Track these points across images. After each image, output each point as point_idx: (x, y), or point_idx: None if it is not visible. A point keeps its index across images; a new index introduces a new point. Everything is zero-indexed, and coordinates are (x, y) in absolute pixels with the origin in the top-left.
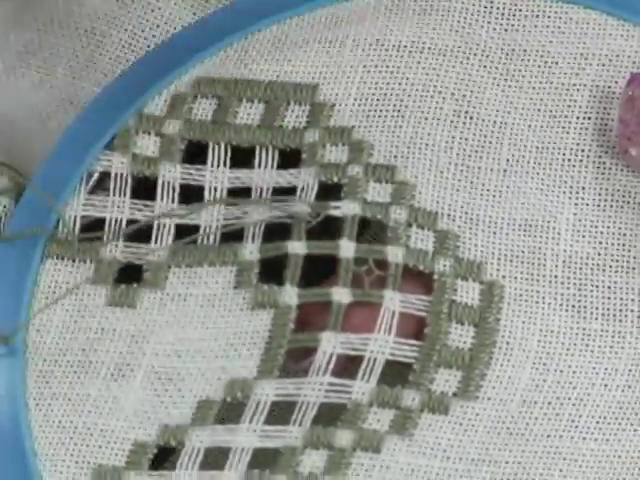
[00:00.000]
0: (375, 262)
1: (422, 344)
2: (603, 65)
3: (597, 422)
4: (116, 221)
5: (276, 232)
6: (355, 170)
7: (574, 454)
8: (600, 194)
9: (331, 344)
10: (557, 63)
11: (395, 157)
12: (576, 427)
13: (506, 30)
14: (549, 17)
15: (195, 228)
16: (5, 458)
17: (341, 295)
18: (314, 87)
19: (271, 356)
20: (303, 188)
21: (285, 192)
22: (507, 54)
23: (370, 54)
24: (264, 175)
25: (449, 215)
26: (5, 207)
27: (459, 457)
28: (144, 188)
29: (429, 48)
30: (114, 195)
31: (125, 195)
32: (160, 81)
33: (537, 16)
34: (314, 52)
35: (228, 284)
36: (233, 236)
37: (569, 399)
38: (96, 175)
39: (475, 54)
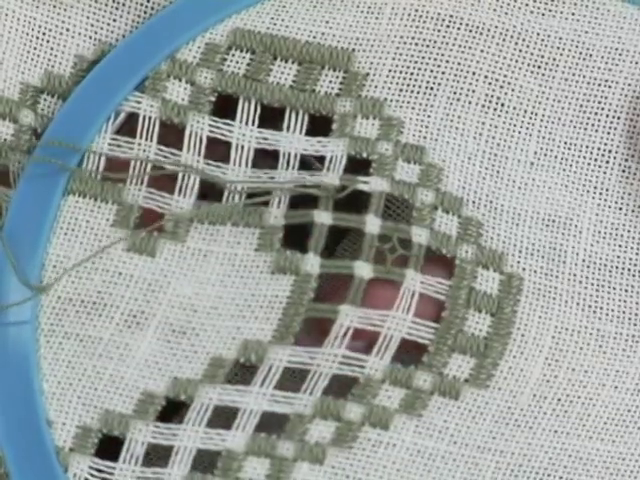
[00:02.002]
0: (399, 241)
1: (438, 327)
2: (636, 63)
3: (605, 423)
4: (141, 164)
5: (302, 202)
6: (384, 147)
7: (580, 452)
8: (623, 197)
9: (349, 318)
10: (591, 56)
11: (424, 138)
12: (583, 426)
13: (543, 15)
14: (586, 6)
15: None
16: (13, 394)
17: (363, 270)
18: (350, 53)
19: (288, 322)
20: (331, 159)
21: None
22: (542, 40)
23: (407, 25)
24: (292, 139)
25: (474, 202)
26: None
27: (465, 443)
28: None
29: (466, 24)
30: (141, 138)
31: (152, 140)
32: (195, 27)
33: (575, 4)
34: (352, 17)
35: (250, 246)
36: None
37: (579, 397)
38: (123, 115)
39: (511, 36)
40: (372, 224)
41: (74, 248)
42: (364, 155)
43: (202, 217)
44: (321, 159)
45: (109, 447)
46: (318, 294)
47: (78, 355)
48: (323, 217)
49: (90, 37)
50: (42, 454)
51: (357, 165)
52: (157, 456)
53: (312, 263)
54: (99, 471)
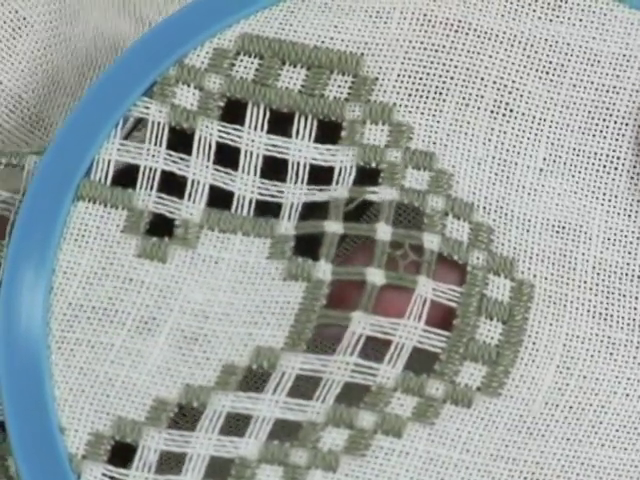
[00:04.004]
0: (411, 247)
1: (450, 335)
2: None
3: (617, 430)
4: (150, 170)
5: (313, 212)
6: (394, 155)
7: (592, 460)
8: (632, 204)
9: (361, 325)
10: (599, 62)
11: (434, 143)
12: (595, 433)
13: (551, 20)
14: (594, 12)
15: (229, 194)
16: (25, 401)
17: (375, 276)
18: (359, 58)
19: (300, 329)
20: (340, 171)
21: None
22: (550, 46)
23: (416, 29)
24: (301, 147)
25: (484, 208)
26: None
27: (478, 451)
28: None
29: (474, 30)
30: (150, 143)
31: (161, 145)
32: (203, 33)
33: (582, 10)
34: (361, 21)
35: (261, 254)
36: (268, 211)
37: (590, 405)
38: (132, 120)
39: (520, 42)
40: (383, 232)
41: (84, 254)
42: (373, 165)
43: (212, 224)
44: (330, 170)
45: (122, 454)
46: (331, 301)
47: (90, 361)
48: (334, 227)
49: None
50: (55, 461)
51: (365, 175)
52: (170, 464)
53: (324, 270)
54: (112, 478)
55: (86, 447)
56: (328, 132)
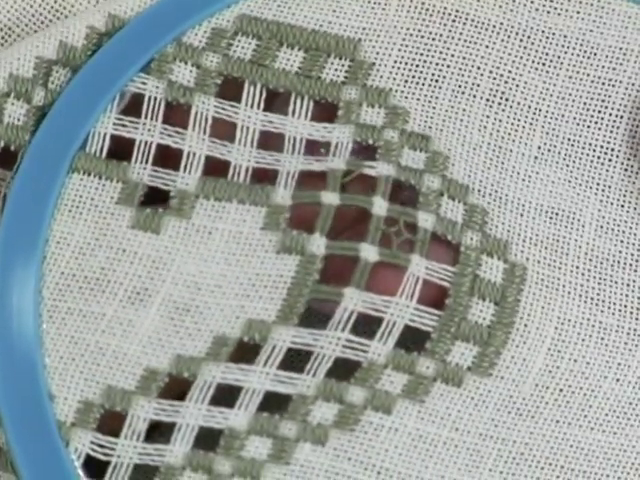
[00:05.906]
0: (405, 225)
1: (442, 314)
2: None
3: (606, 414)
4: (146, 144)
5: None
6: (390, 134)
7: (581, 442)
8: (625, 195)
9: (353, 301)
10: (595, 54)
11: (430, 128)
12: (585, 417)
13: (548, 12)
14: (592, 5)
15: (225, 164)
16: (15, 368)
17: (369, 252)
18: (356, 42)
19: (292, 303)
20: (337, 145)
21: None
22: (547, 37)
23: (414, 17)
24: (297, 124)
25: (479, 191)
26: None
27: (467, 430)
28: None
29: (472, 20)
30: (146, 118)
31: (157, 119)
32: (202, 12)
33: (580, 2)
34: (359, 6)
35: (256, 224)
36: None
37: (580, 388)
38: (128, 95)
39: (516, 33)
40: (379, 206)
41: (78, 225)
42: (370, 142)
43: (208, 193)
44: (326, 145)
45: (112, 423)
46: (323, 276)
47: (81, 331)
48: (330, 198)
49: (99, 10)
50: (43, 428)
51: (361, 153)
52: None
53: (318, 244)
54: (101, 446)
55: (75, 415)
56: (324, 113)
